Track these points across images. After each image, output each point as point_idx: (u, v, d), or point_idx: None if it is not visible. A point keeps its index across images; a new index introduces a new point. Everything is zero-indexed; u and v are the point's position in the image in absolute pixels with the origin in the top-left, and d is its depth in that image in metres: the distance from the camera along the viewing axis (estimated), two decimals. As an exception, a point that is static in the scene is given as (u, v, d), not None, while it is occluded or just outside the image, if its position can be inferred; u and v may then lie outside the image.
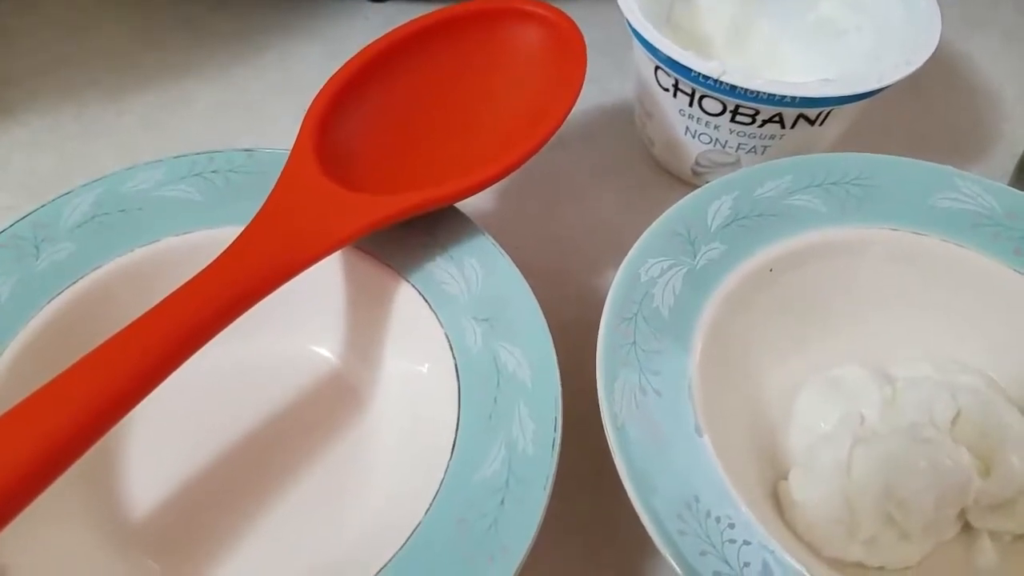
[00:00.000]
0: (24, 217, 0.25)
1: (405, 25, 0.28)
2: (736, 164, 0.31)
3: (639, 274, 0.24)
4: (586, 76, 0.27)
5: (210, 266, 0.22)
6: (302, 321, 0.26)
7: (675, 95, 0.30)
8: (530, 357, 0.23)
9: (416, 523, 0.20)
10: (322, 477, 0.24)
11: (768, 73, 0.28)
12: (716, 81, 0.27)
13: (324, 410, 0.26)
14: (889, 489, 0.22)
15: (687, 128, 0.31)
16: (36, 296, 0.24)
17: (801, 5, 0.34)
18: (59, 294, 0.24)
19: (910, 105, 0.38)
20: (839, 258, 0.26)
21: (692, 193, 0.26)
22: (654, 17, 0.29)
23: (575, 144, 0.36)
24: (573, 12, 0.28)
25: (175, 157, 0.27)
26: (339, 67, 0.27)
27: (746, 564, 0.19)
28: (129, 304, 0.22)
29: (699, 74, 0.27)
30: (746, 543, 0.20)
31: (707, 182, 0.27)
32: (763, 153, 0.30)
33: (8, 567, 0.20)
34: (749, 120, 0.29)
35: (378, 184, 0.25)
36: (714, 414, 0.22)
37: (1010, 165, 0.34)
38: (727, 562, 0.19)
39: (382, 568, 0.20)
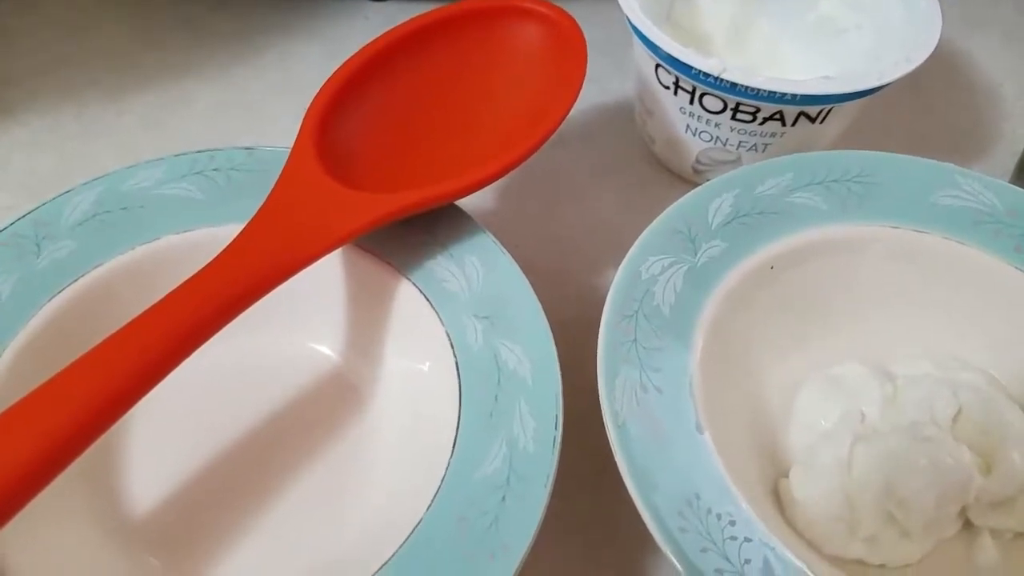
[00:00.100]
0: (25, 215, 0.25)
1: (405, 24, 0.28)
2: (737, 162, 0.31)
3: (640, 272, 0.24)
4: (586, 74, 0.27)
5: (210, 264, 0.22)
6: (303, 319, 0.26)
7: (676, 93, 0.30)
8: (531, 355, 0.23)
9: (417, 521, 0.20)
10: (323, 475, 0.24)
11: (768, 72, 0.28)
12: (717, 79, 0.27)
13: (325, 408, 0.26)
14: (890, 487, 0.22)
15: (688, 126, 0.31)
16: (37, 294, 0.24)
17: (801, 4, 0.34)
18: (60, 292, 0.24)
19: (911, 103, 0.38)
20: (840, 256, 0.26)
21: (693, 191, 0.26)
22: (654, 15, 0.29)
23: (575, 142, 0.36)
24: (573, 11, 0.28)
25: (176, 155, 0.27)
26: (339, 66, 0.27)
27: (747, 561, 0.19)
28: (130, 302, 0.22)
29: (700, 72, 0.27)
30: (747, 540, 0.20)
31: (708, 180, 0.27)
32: (764, 151, 0.30)
33: (9, 565, 0.20)
34: (750, 118, 0.29)
35: (378, 182, 0.25)
36: (715, 411, 0.22)
37: (1011, 163, 0.34)
38: (728, 559, 0.19)
39: (383, 565, 0.20)
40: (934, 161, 0.27)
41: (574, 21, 0.28)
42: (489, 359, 0.23)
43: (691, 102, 0.30)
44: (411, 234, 0.25)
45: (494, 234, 0.25)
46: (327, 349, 0.27)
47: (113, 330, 0.20)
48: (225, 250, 0.22)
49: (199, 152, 0.27)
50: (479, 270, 0.24)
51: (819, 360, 0.26)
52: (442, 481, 0.21)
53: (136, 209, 0.26)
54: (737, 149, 0.31)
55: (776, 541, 0.20)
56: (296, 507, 0.24)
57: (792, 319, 0.26)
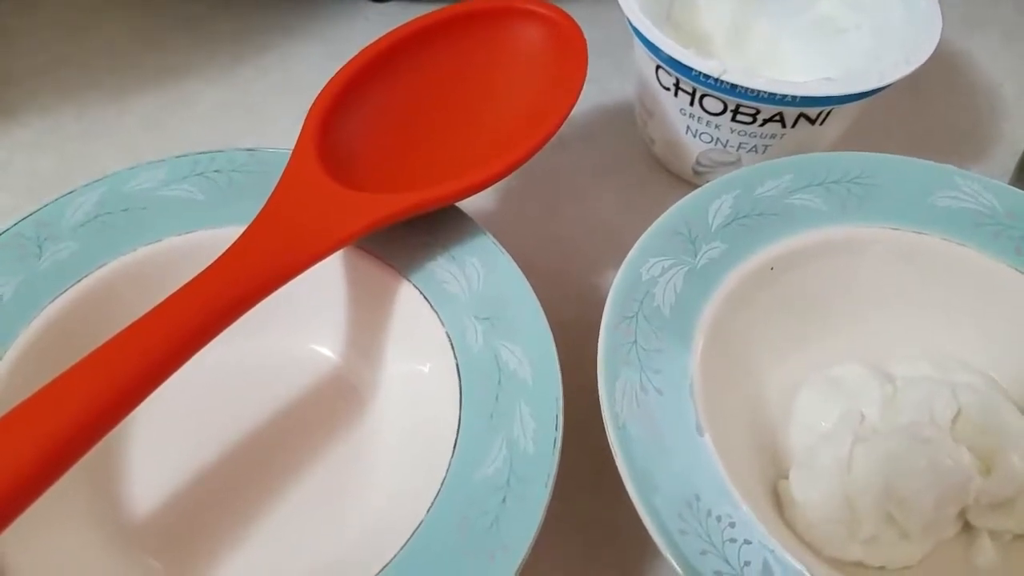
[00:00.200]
0: (27, 216, 0.25)
1: (406, 25, 0.28)
2: (737, 163, 0.31)
3: (640, 273, 0.24)
4: (587, 76, 0.27)
5: (212, 266, 0.22)
6: (304, 320, 0.26)
7: (676, 94, 0.30)
8: (531, 356, 0.23)
9: (418, 522, 0.20)
10: (324, 476, 0.24)
11: (768, 72, 0.28)
12: (717, 80, 0.27)
13: (326, 409, 0.26)
14: (889, 488, 0.22)
15: (688, 127, 0.31)
16: (39, 295, 0.24)
17: (800, 4, 0.34)
18: (62, 293, 0.24)
19: (910, 104, 0.38)
20: (840, 257, 0.26)
21: (693, 192, 0.26)
22: (654, 16, 0.30)
23: (576, 143, 0.36)
24: (573, 12, 0.28)
25: (177, 156, 0.27)
26: (340, 67, 0.27)
27: (746, 563, 0.19)
28: (132, 303, 0.22)
29: (700, 73, 0.27)
30: (746, 542, 0.20)
31: (708, 181, 0.27)
32: (764, 152, 0.30)
33: (9, 566, 0.20)
34: (750, 119, 0.29)
35: (379, 183, 0.25)
36: (715, 413, 0.22)
37: (1011, 164, 0.34)
38: (727, 561, 0.19)
39: (384, 567, 0.20)
40: (933, 163, 0.27)
41: (574, 22, 0.28)
42: (490, 360, 0.23)
43: (691, 103, 0.30)
44: (412, 236, 0.25)
45: (495, 235, 0.25)
46: (328, 351, 0.27)
47: (115, 332, 0.20)
48: (226, 252, 0.22)
49: (200, 153, 0.27)
50: (480, 271, 0.24)
51: (819, 361, 0.26)
52: (443, 482, 0.21)
53: (138, 210, 0.26)
54: (737, 150, 0.31)
55: (775, 543, 0.20)
56: (297, 508, 0.24)
57: (792, 320, 0.26)
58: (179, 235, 0.25)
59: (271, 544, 0.23)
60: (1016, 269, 0.25)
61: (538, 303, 0.24)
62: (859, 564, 0.22)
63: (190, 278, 0.21)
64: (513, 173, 0.25)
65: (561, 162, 0.35)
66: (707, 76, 0.27)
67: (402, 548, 0.20)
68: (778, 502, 0.23)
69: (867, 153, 0.27)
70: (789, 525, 0.22)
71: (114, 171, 0.26)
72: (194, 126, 0.36)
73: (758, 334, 0.25)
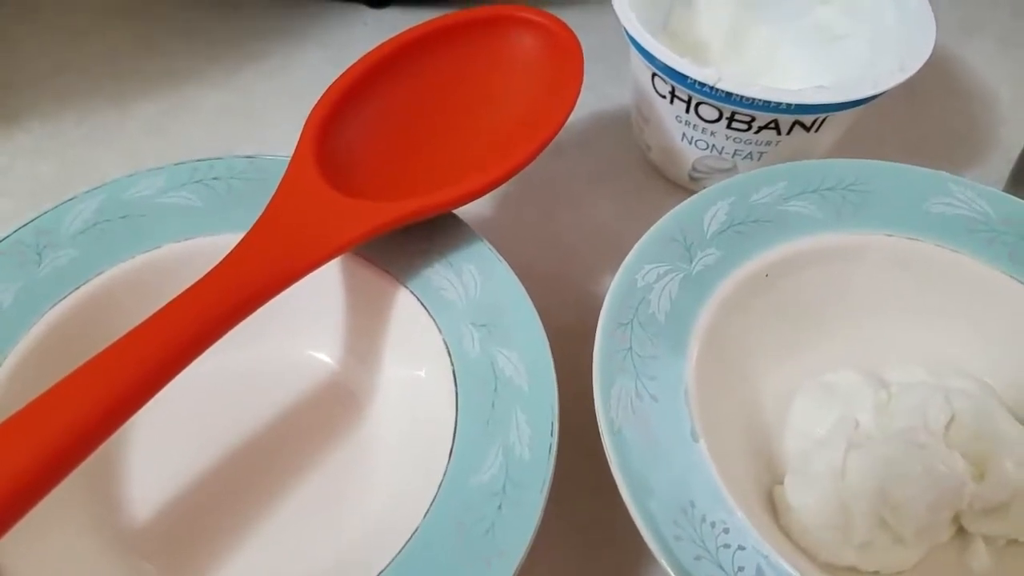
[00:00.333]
0: (27, 223, 0.25)
1: (404, 33, 0.28)
2: (733, 170, 0.31)
3: (636, 280, 0.24)
4: (583, 83, 0.27)
5: (210, 273, 0.22)
6: (302, 327, 0.26)
7: (672, 102, 0.30)
8: (527, 362, 0.23)
9: (414, 527, 0.20)
10: (321, 482, 0.24)
11: (765, 79, 0.29)
12: (712, 88, 0.27)
13: (323, 415, 0.26)
14: (884, 494, 0.22)
15: (684, 134, 0.31)
16: (38, 302, 0.24)
17: (797, 10, 0.34)
18: (61, 300, 0.24)
19: (906, 110, 0.38)
20: (834, 263, 0.26)
21: (688, 199, 0.26)
22: (651, 24, 0.30)
23: (572, 150, 0.36)
24: (570, 19, 0.28)
25: (176, 164, 0.27)
26: (340, 73, 0.27)
27: (740, 569, 0.20)
28: (130, 310, 0.22)
29: (695, 81, 0.28)
30: (741, 548, 0.20)
31: (704, 188, 0.27)
32: (759, 159, 0.31)
33: (6, 570, 0.20)
34: (745, 127, 0.29)
35: (377, 190, 0.25)
36: (710, 419, 0.22)
37: (1005, 170, 0.34)
38: (722, 567, 0.19)
39: (381, 572, 0.20)
40: (927, 169, 0.27)
41: (570, 30, 0.28)
42: (486, 367, 0.23)
43: (687, 111, 0.30)
44: (409, 242, 0.25)
45: (492, 241, 0.25)
46: (326, 356, 0.27)
47: (114, 338, 0.20)
48: (225, 259, 0.22)
49: (200, 161, 0.27)
50: (476, 278, 0.25)
51: (813, 367, 0.26)
52: (439, 488, 0.21)
53: (137, 217, 0.26)
54: (733, 157, 0.31)
55: (769, 549, 0.20)
56: (294, 513, 0.24)
57: (786, 327, 0.26)
58: (178, 242, 0.25)
59: (268, 549, 0.23)
60: (1009, 275, 0.25)
61: (534, 310, 0.24)
62: (853, 569, 0.22)
63: (189, 285, 0.21)
64: (510, 180, 0.26)
65: (558, 169, 0.35)
66: (702, 84, 0.28)
67: (398, 554, 0.20)
68: (773, 508, 0.23)
69: (861, 160, 0.27)
70: (784, 531, 0.23)
71: (113, 178, 0.27)
72: (195, 131, 0.36)
73: (753, 340, 0.25)
